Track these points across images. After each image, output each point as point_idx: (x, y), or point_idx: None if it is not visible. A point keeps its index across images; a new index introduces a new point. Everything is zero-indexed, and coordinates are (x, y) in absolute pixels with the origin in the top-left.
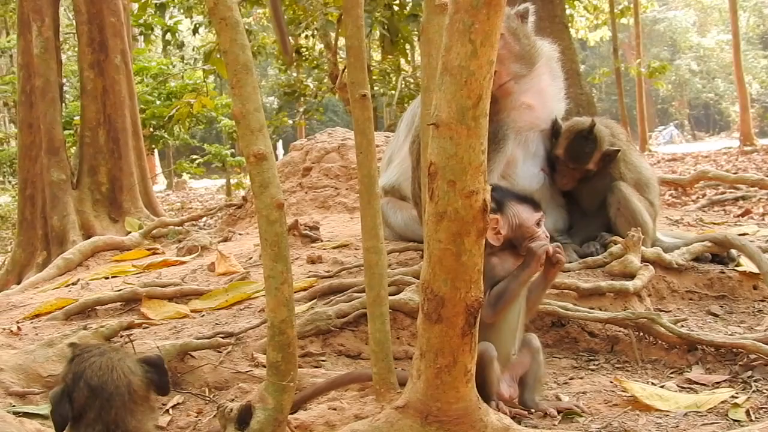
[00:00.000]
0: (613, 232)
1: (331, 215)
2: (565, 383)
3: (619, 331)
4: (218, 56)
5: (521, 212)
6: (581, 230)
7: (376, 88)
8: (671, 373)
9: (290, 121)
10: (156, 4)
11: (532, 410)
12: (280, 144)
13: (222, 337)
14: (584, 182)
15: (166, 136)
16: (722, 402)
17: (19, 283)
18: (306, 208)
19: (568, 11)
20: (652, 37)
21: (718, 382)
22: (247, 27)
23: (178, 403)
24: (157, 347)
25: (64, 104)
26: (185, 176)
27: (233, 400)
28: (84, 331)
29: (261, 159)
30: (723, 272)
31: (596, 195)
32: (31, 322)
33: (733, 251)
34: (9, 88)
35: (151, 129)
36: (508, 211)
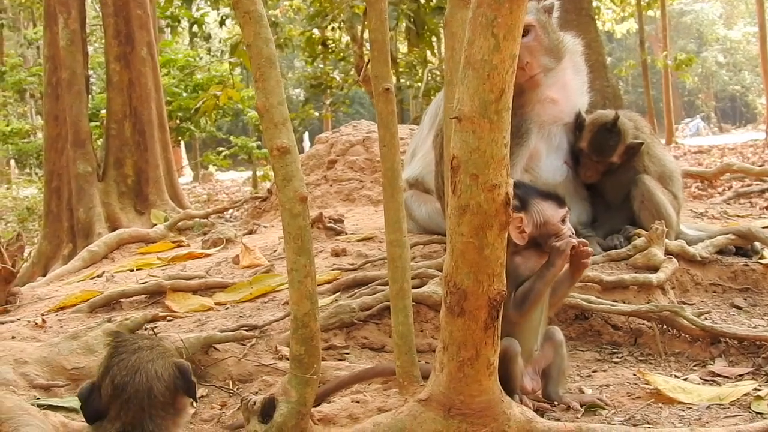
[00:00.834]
0: (637, 225)
1: (356, 208)
2: (589, 376)
3: (643, 324)
4: (244, 48)
5: (546, 209)
6: (605, 223)
7: (402, 80)
8: (694, 365)
9: (316, 114)
10: None
11: (555, 403)
12: (306, 136)
13: (246, 330)
14: (608, 175)
15: (192, 128)
16: (745, 394)
17: (44, 276)
18: (331, 200)
19: (594, 3)
20: (679, 30)
21: (740, 375)
22: (273, 19)
23: (202, 396)
24: (181, 340)
25: (90, 96)
26: (211, 168)
27: (257, 392)
28: (109, 324)
29: (284, 152)
30: (747, 265)
31: (620, 188)
32: (56, 315)
33: (757, 244)
34: (36, 80)
35: (178, 121)
36: (532, 209)
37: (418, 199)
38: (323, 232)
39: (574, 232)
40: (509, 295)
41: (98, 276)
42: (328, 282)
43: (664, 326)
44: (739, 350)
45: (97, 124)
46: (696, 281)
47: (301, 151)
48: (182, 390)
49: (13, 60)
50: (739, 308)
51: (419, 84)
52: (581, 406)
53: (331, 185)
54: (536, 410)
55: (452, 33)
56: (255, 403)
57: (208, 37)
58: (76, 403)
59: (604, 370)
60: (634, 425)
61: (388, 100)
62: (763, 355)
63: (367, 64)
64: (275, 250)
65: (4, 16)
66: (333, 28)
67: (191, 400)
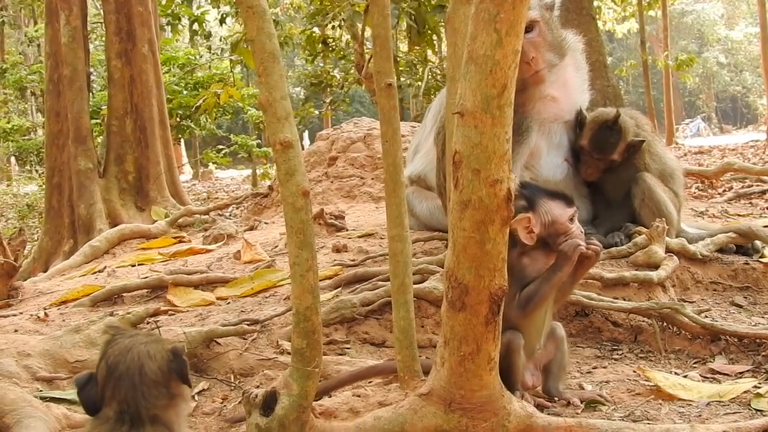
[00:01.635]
0: (638, 223)
1: (357, 204)
2: (589, 372)
3: (643, 321)
4: (245, 46)
5: (554, 209)
6: (606, 221)
7: (402, 79)
8: (694, 363)
9: (316, 112)
10: None
11: (556, 399)
12: (306, 134)
13: (247, 324)
14: (609, 173)
15: (192, 126)
16: (745, 392)
17: (45, 271)
18: (332, 197)
19: (595, 3)
20: (680, 30)
21: (740, 373)
22: (274, 17)
23: (204, 390)
24: (184, 333)
25: (91, 93)
26: (211, 166)
27: (258, 386)
28: (111, 318)
29: (287, 147)
30: (747, 263)
31: (621, 186)
32: (58, 309)
33: (758, 242)
34: (37, 77)
35: (178, 119)
36: (540, 209)
37: (420, 195)
38: (324, 228)
39: (583, 230)
40: (514, 295)
41: (100, 271)
42: (330, 277)
43: (665, 323)
44: (739, 348)
45: (99, 121)
46: (696, 279)
47: (302, 149)
48: (175, 372)
49: (14, 58)
50: (740, 306)
51: (420, 83)
52: (581, 402)
53: (332, 182)
54: (536, 406)
55: (454, 29)
56: (257, 396)
57: (208, 35)
58: None
59: (604, 367)
60: (634, 421)
61: (391, 95)
62: (763, 353)
63: (369, 60)
64: (276, 246)
65: (5, 13)
66: (333, 27)
67: (188, 387)
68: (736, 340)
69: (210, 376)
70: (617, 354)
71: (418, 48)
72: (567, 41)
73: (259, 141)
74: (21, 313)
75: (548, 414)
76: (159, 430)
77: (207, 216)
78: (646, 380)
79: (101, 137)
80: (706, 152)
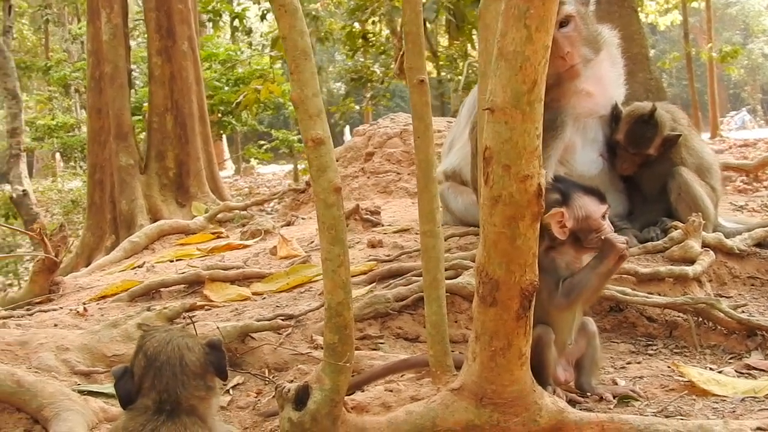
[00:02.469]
0: (674, 218)
1: (393, 200)
2: (623, 368)
3: (678, 317)
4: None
5: (588, 204)
6: (642, 215)
7: (442, 73)
8: (730, 358)
9: (357, 107)
10: None
11: (588, 394)
12: (347, 130)
13: (282, 319)
14: (645, 167)
15: (233, 122)
16: None
17: (87, 266)
18: (368, 192)
19: None
20: (724, 21)
21: None
22: (314, 13)
23: (239, 384)
24: (218, 328)
25: (133, 90)
26: (253, 162)
27: (292, 381)
28: (147, 312)
29: (319, 143)
30: None
31: (657, 180)
32: (97, 304)
33: None
34: (80, 75)
35: (219, 115)
36: (573, 204)
37: (455, 191)
38: (360, 223)
39: (612, 228)
40: (543, 289)
41: (139, 266)
42: (364, 273)
43: (700, 319)
44: None
45: (140, 117)
46: (734, 274)
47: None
48: (213, 365)
49: (58, 55)
50: None
51: (460, 77)
52: (614, 398)
53: (368, 177)
54: (568, 401)
55: (486, 25)
56: (289, 390)
57: (249, 31)
58: None
59: (638, 362)
60: (667, 417)
61: (423, 91)
62: None
63: (402, 55)
64: (312, 242)
65: (50, 11)
66: (374, 22)
67: (222, 381)
68: None
69: (244, 371)
70: (652, 349)
71: (458, 42)
72: (602, 36)
73: (300, 136)
74: (61, 307)
75: (580, 409)
76: (194, 421)
77: (245, 212)
78: (680, 376)
79: (143, 134)
80: (751, 145)
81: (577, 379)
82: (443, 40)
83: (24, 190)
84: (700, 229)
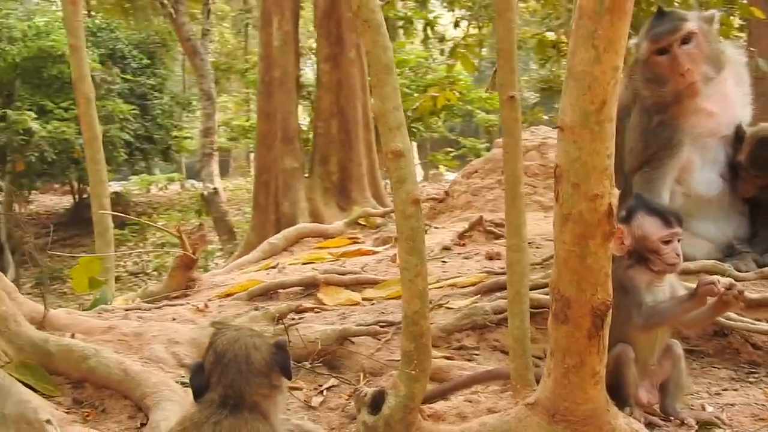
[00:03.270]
0: None
1: (526, 213)
2: (717, 394)
3: None
4: (462, 51)
5: (646, 225)
6: (764, 240)
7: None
8: None
9: (546, 117)
10: None
11: (671, 418)
12: None
13: (381, 326)
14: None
15: (420, 128)
16: None
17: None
18: (502, 204)
19: None
20: None
21: None
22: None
23: (333, 386)
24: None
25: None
26: (441, 168)
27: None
28: (255, 312)
29: (398, 156)
30: None
31: None
32: (220, 301)
33: None
34: None
35: (409, 121)
36: (633, 222)
37: None
38: (483, 235)
39: (681, 255)
40: (632, 307)
41: (273, 267)
42: (473, 284)
43: None
44: None
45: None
46: None
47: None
48: (278, 364)
49: (255, 58)
50: None
51: None
52: (696, 423)
53: (503, 190)
54: (648, 424)
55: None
56: (366, 394)
57: (442, 39)
58: None
59: (735, 389)
60: None
61: (513, 107)
62: None
63: (495, 72)
64: (432, 251)
65: (250, 15)
66: (565, 31)
67: (288, 380)
68: None
69: (341, 374)
70: (753, 377)
71: None
72: (727, 54)
73: (488, 144)
74: (188, 303)
75: None
76: (255, 417)
77: (383, 218)
78: None
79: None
80: None
81: (662, 403)
82: None
83: (215, 188)
84: None
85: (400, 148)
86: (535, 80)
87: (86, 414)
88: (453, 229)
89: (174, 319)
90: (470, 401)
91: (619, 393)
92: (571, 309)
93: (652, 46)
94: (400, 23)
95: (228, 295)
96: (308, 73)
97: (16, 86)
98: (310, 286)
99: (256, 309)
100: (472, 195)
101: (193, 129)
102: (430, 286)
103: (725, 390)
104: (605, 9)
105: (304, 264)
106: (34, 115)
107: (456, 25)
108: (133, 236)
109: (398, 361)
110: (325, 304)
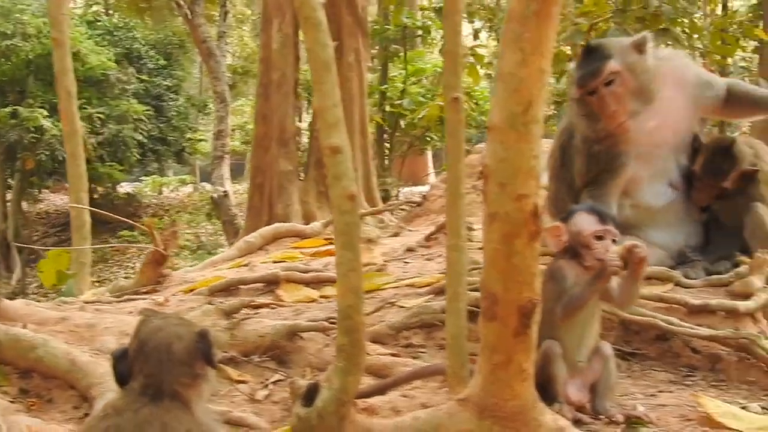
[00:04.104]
0: (749, 253)
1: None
2: (653, 395)
3: (722, 350)
4: (471, 61)
5: (581, 221)
6: (718, 248)
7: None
8: (764, 395)
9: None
10: (435, 8)
11: (601, 416)
12: None
13: (330, 322)
14: (723, 200)
15: (435, 138)
16: None
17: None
18: (475, 209)
19: None
20: None
21: None
22: None
23: (279, 380)
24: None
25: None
26: None
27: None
28: (208, 306)
29: (336, 152)
30: None
31: (734, 214)
32: (181, 296)
33: None
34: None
35: (424, 130)
36: (570, 219)
37: None
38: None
39: (608, 251)
40: (557, 298)
41: (245, 265)
42: (429, 285)
43: (743, 354)
44: None
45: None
46: None
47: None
48: (201, 353)
49: None
50: None
51: None
52: (624, 421)
53: (478, 194)
54: (576, 421)
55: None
56: (300, 387)
57: None
58: None
59: (671, 392)
60: None
61: (457, 109)
62: None
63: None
64: (396, 251)
65: None
66: (569, 44)
67: (212, 369)
68: None
69: (288, 368)
70: (690, 380)
71: None
72: (661, 74)
73: None
74: (152, 298)
75: (586, 430)
76: (176, 405)
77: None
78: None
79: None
80: None
81: (593, 402)
82: None
83: (225, 192)
84: (764, 265)
85: (338, 144)
86: (549, 92)
87: (31, 404)
88: (425, 232)
89: (131, 313)
90: (406, 396)
91: (548, 390)
92: (498, 307)
93: (578, 90)
94: (419, 33)
95: (191, 290)
96: (309, 76)
97: (28, 83)
98: (271, 283)
99: (210, 303)
100: None
101: (208, 132)
102: (388, 285)
103: (661, 392)
104: (532, 12)
105: (275, 262)
106: (45, 113)
107: (475, 36)
108: (143, 237)
109: None
110: (283, 301)
